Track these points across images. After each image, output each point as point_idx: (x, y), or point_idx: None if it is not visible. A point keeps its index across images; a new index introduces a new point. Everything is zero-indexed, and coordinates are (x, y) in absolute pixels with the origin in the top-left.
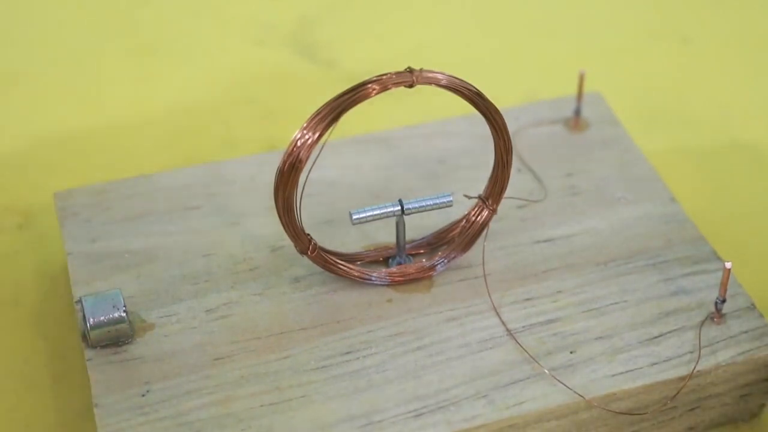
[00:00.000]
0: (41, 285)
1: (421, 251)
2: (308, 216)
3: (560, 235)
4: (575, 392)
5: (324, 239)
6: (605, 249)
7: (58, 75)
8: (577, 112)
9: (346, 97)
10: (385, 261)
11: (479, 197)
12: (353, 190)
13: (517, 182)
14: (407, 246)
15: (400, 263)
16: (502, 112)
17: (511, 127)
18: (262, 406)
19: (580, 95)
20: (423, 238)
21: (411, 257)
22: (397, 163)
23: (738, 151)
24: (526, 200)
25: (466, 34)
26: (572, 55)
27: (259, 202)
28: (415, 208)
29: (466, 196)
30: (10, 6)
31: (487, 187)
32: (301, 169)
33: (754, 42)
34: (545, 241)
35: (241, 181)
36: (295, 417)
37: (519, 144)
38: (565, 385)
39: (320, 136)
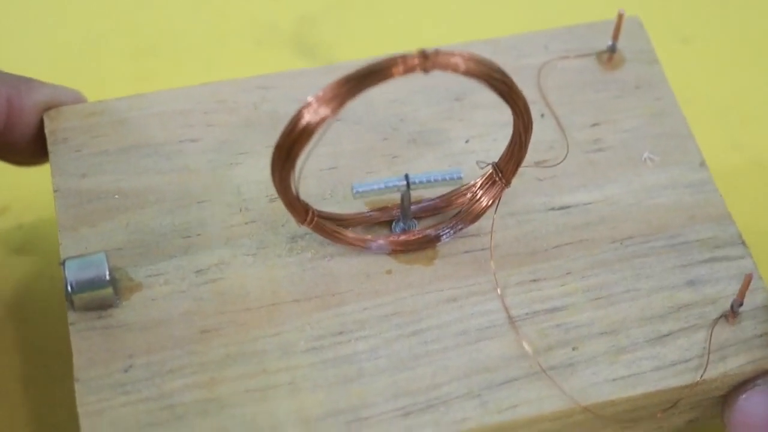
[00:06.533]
0: (41, 285)
1: (427, 215)
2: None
3: (577, 202)
4: (572, 398)
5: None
6: (623, 223)
7: (58, 75)
8: (612, 49)
9: (362, 76)
10: (388, 225)
11: (493, 165)
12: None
13: (539, 131)
14: (413, 208)
15: (404, 229)
16: (528, 40)
17: (539, 58)
18: (247, 391)
19: (616, 33)
20: (430, 200)
21: (416, 221)
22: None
23: (738, 151)
24: (544, 166)
25: (467, 35)
26: None
27: (260, 137)
28: (422, 182)
29: (479, 164)
30: (10, 6)
31: (503, 158)
32: (305, 144)
33: (754, 42)
34: (560, 208)
35: (244, 109)
36: (280, 408)
37: (545, 83)
38: (562, 390)
39: (323, 119)
